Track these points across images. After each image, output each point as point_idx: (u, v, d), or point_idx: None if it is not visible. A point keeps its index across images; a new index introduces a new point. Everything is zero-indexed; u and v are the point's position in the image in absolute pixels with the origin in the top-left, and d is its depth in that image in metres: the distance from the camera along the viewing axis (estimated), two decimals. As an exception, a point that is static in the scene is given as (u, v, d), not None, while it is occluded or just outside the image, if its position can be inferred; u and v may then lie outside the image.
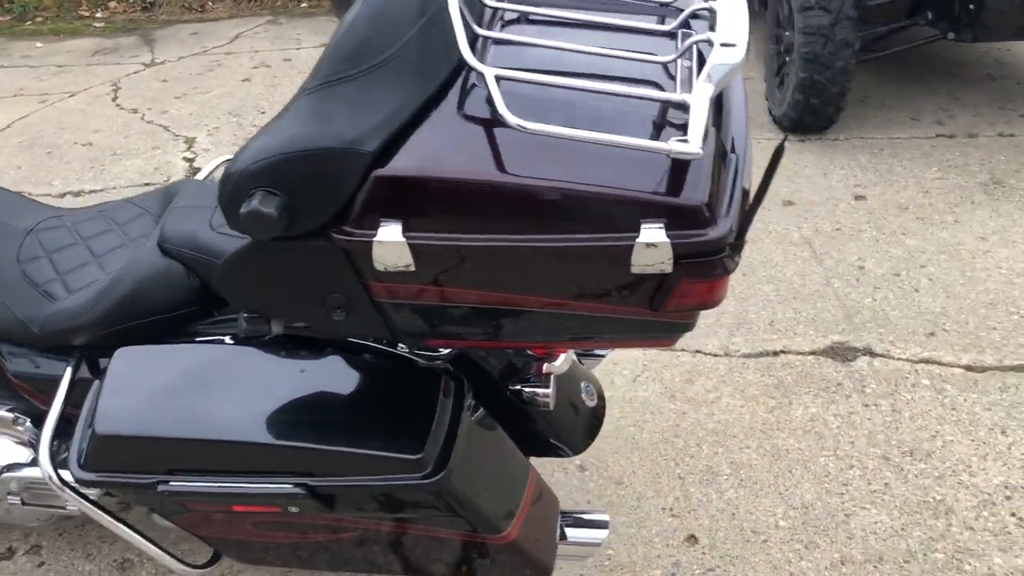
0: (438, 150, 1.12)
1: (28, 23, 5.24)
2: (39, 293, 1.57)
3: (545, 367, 1.57)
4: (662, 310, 1.19)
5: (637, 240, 1.08)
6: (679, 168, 1.10)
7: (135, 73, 4.41)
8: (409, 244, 1.12)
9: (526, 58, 1.24)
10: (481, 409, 1.47)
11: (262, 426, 1.33)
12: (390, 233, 1.11)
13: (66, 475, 1.41)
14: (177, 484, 1.34)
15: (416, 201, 1.12)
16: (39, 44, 4.91)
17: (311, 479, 1.32)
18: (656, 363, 2.41)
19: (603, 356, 1.97)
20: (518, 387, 1.55)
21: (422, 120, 1.15)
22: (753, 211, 1.11)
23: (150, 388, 1.38)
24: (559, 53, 1.24)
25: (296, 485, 1.32)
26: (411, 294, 1.21)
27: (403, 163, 1.11)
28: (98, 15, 5.33)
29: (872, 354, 2.43)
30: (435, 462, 1.32)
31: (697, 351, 2.46)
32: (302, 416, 1.34)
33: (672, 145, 1.04)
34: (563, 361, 1.59)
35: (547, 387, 1.53)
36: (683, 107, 1.11)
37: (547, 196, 1.10)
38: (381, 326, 1.28)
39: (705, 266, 1.12)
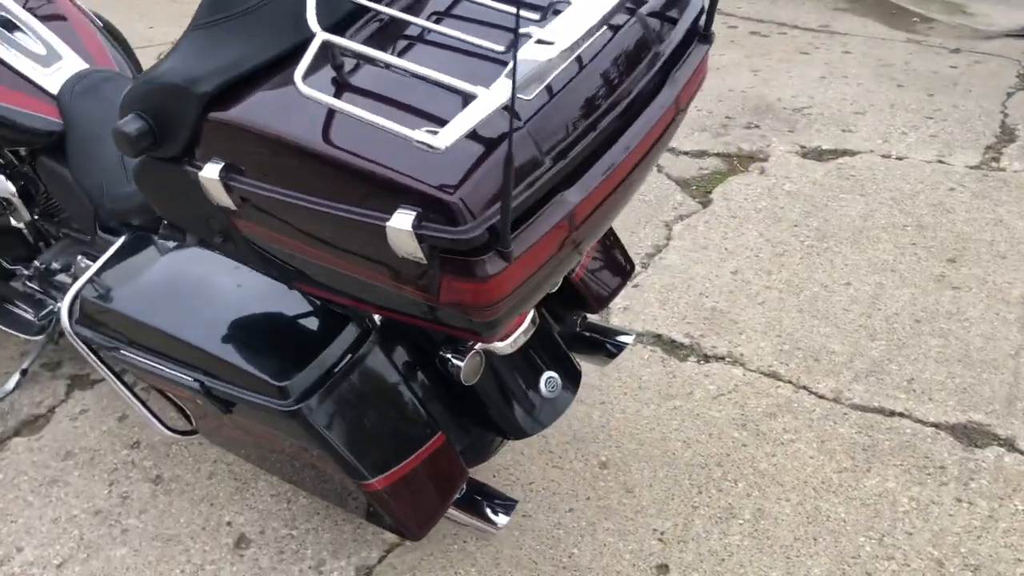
0: (261, 105, 1.21)
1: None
2: (126, 174, 1.90)
3: (479, 343, 1.58)
4: (438, 303, 1.18)
5: (387, 223, 1.10)
6: (447, 161, 1.09)
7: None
8: (223, 184, 1.23)
9: (384, 37, 1.26)
10: (384, 360, 1.53)
11: (188, 322, 1.54)
12: (210, 171, 1.24)
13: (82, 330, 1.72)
14: (125, 354, 1.60)
15: (233, 147, 1.22)
16: None
17: (207, 379, 1.51)
18: (748, 387, 2.24)
19: (623, 346, 1.91)
20: (441, 354, 1.58)
21: (266, 75, 1.24)
22: (505, 218, 1.06)
23: (132, 271, 1.65)
24: (410, 35, 1.25)
25: (195, 380, 1.51)
26: (260, 235, 1.32)
27: (229, 110, 1.22)
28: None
29: (1010, 447, 2.03)
30: (301, 394, 1.44)
31: (803, 386, 2.23)
32: (218, 323, 1.53)
33: (415, 134, 1.03)
34: (507, 342, 1.59)
35: (461, 359, 1.55)
36: (472, 97, 1.08)
37: (328, 163, 1.15)
38: (257, 260, 1.41)
39: (462, 265, 1.11)
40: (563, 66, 1.14)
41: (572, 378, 1.74)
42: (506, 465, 2.07)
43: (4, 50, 1.95)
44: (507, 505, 1.68)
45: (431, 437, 1.56)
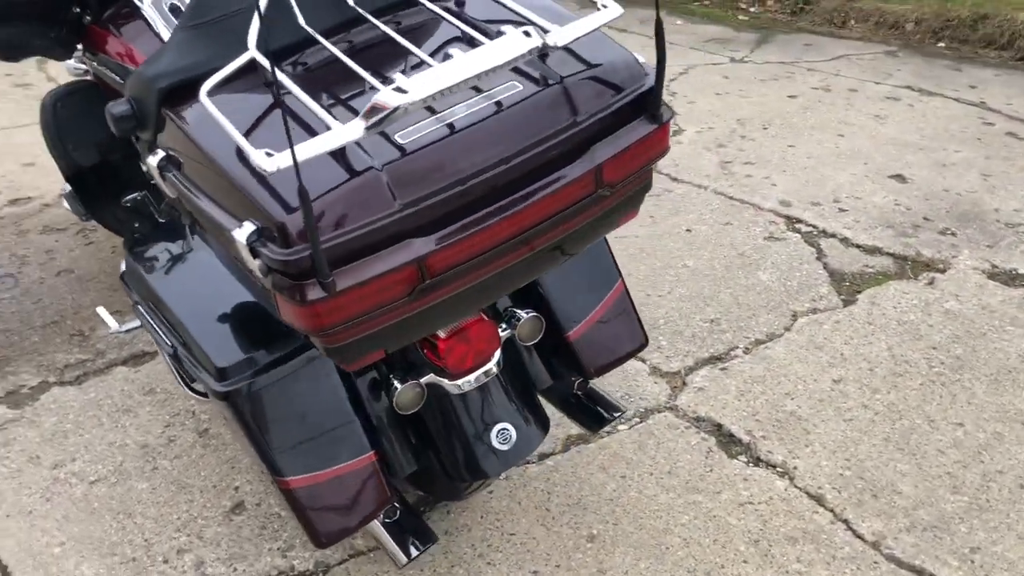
0: (191, 107, 1.32)
1: (696, 3, 5.85)
2: None
3: (429, 376, 1.60)
4: (280, 318, 1.23)
5: (232, 231, 1.17)
6: (290, 183, 1.14)
7: (711, 64, 4.71)
8: (159, 172, 1.36)
9: (309, 66, 1.33)
10: (331, 368, 1.59)
11: (179, 291, 1.69)
12: (152, 160, 1.37)
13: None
14: (140, 309, 1.80)
15: (171, 140, 1.35)
16: (679, 21, 5.49)
17: (180, 347, 1.66)
18: (782, 504, 2.05)
19: (610, 420, 1.85)
20: (389, 375, 1.61)
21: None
22: (314, 248, 1.09)
23: (165, 238, 1.84)
24: (324, 65, 1.31)
25: (171, 345, 1.67)
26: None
27: (173, 107, 1.34)
28: (752, 9, 5.68)
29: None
30: (237, 378, 1.54)
31: (844, 520, 2.01)
32: (200, 297, 1.67)
33: (255, 154, 1.10)
34: (457, 382, 1.60)
35: (399, 385, 1.57)
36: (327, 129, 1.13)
37: (213, 168, 1.24)
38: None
39: (289, 287, 1.15)
40: (406, 115, 1.14)
41: (531, 434, 1.70)
42: (498, 510, 2.05)
43: None
44: (425, 541, 1.68)
45: (360, 455, 1.60)
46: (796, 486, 2.10)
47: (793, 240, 3.09)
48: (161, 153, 1.37)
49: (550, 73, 1.32)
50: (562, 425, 2.25)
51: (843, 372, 2.46)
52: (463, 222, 1.22)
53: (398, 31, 1.36)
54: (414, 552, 1.66)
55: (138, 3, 1.79)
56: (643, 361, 2.51)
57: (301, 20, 1.34)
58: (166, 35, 1.66)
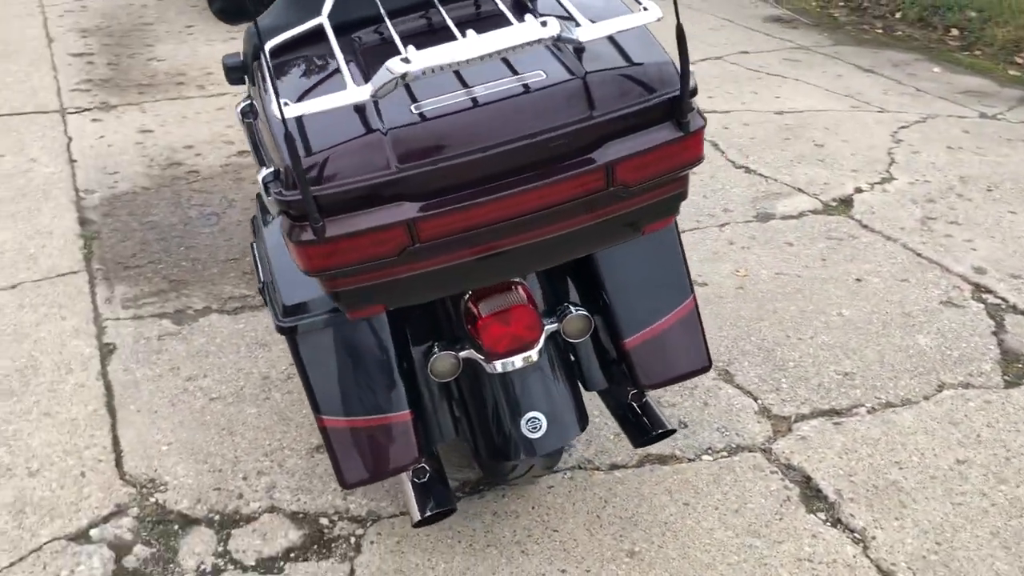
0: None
1: (966, 52, 5.43)
2: None
3: (468, 351, 1.66)
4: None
5: (260, 172, 1.31)
6: (317, 134, 1.25)
7: (955, 117, 4.36)
8: (241, 119, 1.53)
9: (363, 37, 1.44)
10: (386, 325, 1.68)
11: (273, 236, 1.85)
12: (239, 107, 1.54)
13: None
14: (252, 248, 1.99)
15: (249, 90, 1.51)
16: (936, 69, 5.12)
17: (267, 281, 1.81)
18: (845, 570, 1.91)
19: (657, 438, 1.82)
20: (434, 342, 1.69)
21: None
22: (304, 194, 1.19)
23: None
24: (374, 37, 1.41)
25: (261, 280, 1.84)
26: None
27: (256, 60, 1.50)
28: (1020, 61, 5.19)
29: None
30: (297, 317, 1.68)
31: (907, 604, 1.84)
32: None
33: (273, 104, 1.23)
34: (494, 363, 1.65)
35: (436, 353, 1.64)
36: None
37: (259, 110, 1.38)
38: None
39: (287, 226, 1.27)
40: (415, 82, 1.21)
41: (563, 430, 1.71)
42: (550, 505, 2.07)
43: None
44: (442, 505, 1.73)
45: (395, 411, 1.69)
46: (868, 556, 1.95)
47: (973, 310, 2.83)
48: (246, 102, 1.54)
49: (578, 66, 1.34)
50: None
51: (972, 454, 2.23)
52: (456, 195, 1.27)
53: (460, 14, 1.44)
54: (428, 513, 1.72)
55: None
56: (755, 399, 2.42)
57: None
58: None
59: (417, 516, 1.73)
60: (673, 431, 1.84)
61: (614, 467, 2.18)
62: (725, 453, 2.23)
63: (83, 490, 2.10)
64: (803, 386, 2.47)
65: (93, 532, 2.00)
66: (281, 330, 1.68)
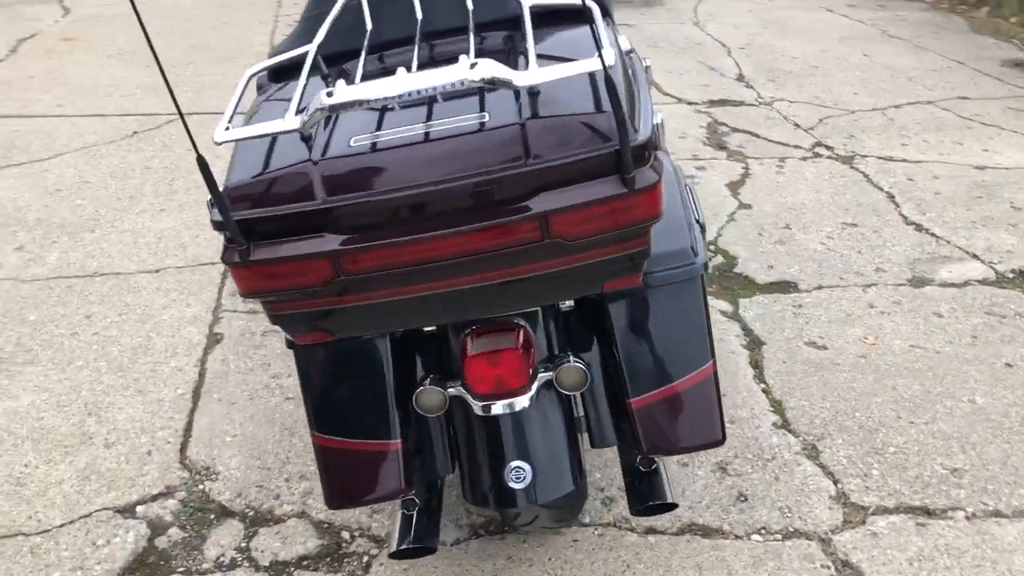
0: None
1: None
2: None
3: (456, 388, 1.62)
4: None
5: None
6: (253, 159, 1.29)
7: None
8: None
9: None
10: (381, 352, 1.67)
11: None
12: None
13: None
14: None
15: None
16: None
17: None
18: None
19: (657, 509, 1.69)
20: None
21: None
22: (224, 216, 1.22)
23: None
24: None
25: None
26: None
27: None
28: None
29: None
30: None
31: None
32: None
33: (217, 128, 1.27)
34: (478, 404, 1.60)
35: (422, 386, 1.61)
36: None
37: None
38: None
39: (224, 246, 1.30)
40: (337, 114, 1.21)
41: (550, 484, 1.63)
42: (569, 560, 1.97)
43: None
44: (420, 543, 1.69)
45: (385, 438, 1.68)
46: None
47: None
48: None
49: (527, 111, 1.27)
50: (694, 510, 2.08)
51: (1076, 589, 1.89)
52: (380, 232, 1.24)
53: (452, 49, 1.41)
54: (404, 546, 1.69)
55: None
56: (835, 481, 2.18)
57: (368, 25, 1.45)
58: None
59: (393, 547, 1.70)
60: (674, 506, 1.69)
61: (651, 531, 2.05)
62: (779, 536, 2.03)
63: (144, 468, 2.25)
64: (897, 476, 2.20)
65: (139, 508, 2.13)
66: (289, 344, 1.71)
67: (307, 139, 1.28)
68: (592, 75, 1.33)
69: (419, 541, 1.70)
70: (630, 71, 1.53)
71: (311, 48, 1.42)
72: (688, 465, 2.24)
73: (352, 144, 1.26)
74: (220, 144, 1.24)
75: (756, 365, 2.62)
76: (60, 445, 2.32)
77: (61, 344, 2.71)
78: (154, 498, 2.16)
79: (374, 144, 1.26)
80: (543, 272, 1.32)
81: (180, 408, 2.45)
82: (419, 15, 1.50)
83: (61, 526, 2.08)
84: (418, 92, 1.18)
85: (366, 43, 1.46)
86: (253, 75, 1.44)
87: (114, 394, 2.51)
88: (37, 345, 2.71)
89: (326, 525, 2.09)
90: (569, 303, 1.71)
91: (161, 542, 2.05)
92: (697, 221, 1.80)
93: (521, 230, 1.24)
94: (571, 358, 1.61)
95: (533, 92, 1.27)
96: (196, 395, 2.50)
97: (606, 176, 1.24)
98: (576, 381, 1.61)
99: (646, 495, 1.69)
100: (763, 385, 2.53)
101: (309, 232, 1.26)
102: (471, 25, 1.33)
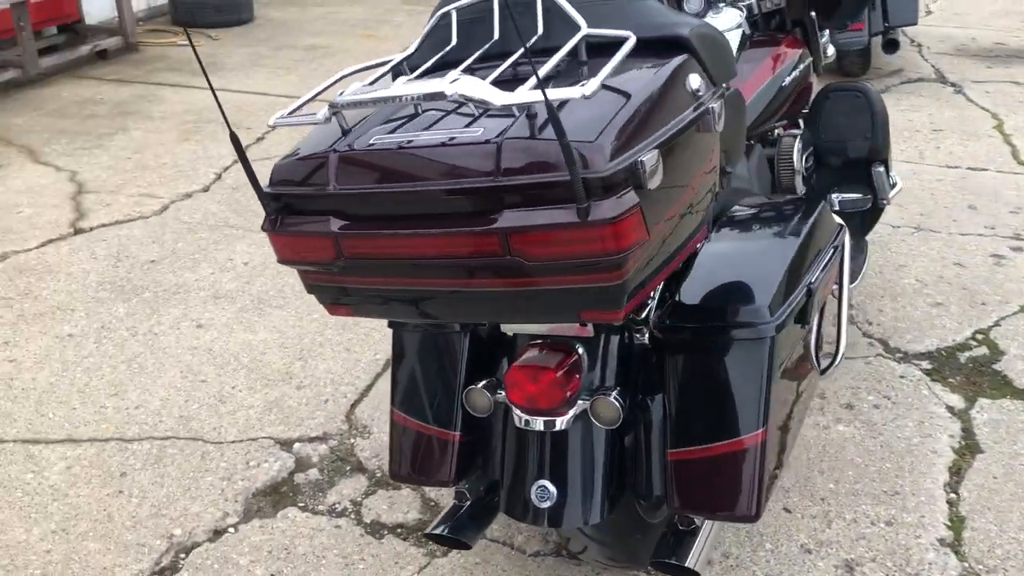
0: None
1: None
2: None
3: (503, 393, 1.66)
4: None
5: None
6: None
7: None
8: None
9: None
10: (459, 347, 1.76)
11: None
12: None
13: None
14: None
15: None
16: None
17: None
18: None
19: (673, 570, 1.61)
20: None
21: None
22: (254, 186, 1.41)
23: None
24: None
25: None
26: None
27: None
28: None
29: None
30: None
31: None
32: None
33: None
34: (519, 415, 1.63)
35: (474, 385, 1.67)
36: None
37: None
38: None
39: (265, 216, 1.49)
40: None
41: (573, 510, 1.61)
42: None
43: None
44: (453, 538, 1.73)
45: (444, 427, 1.76)
46: None
47: None
48: None
49: (508, 129, 1.29)
50: (741, 569, 1.91)
51: None
52: (372, 223, 1.34)
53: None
54: (437, 531, 1.74)
55: None
56: (976, 621, 1.86)
57: (454, 40, 1.55)
58: None
59: (429, 528, 1.78)
60: (692, 572, 1.57)
61: (728, 604, 1.91)
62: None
63: (315, 412, 2.54)
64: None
65: (296, 445, 2.42)
66: (389, 324, 1.86)
67: (346, 132, 1.41)
68: (606, 101, 1.32)
69: (455, 532, 1.75)
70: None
71: (399, 56, 1.56)
72: (811, 552, 2.03)
73: (371, 142, 1.37)
74: (272, 127, 1.42)
75: (956, 472, 2.28)
76: (265, 378, 2.69)
77: (309, 296, 3.11)
78: (311, 440, 2.44)
79: (384, 144, 1.36)
80: (511, 289, 1.34)
81: (370, 371, 2.72)
82: (496, 34, 1.56)
83: (232, 442, 2.43)
84: (400, 99, 1.28)
85: (435, 57, 1.57)
86: (345, 75, 1.60)
87: (327, 347, 2.84)
88: (292, 293, 3.15)
89: (432, 504, 2.21)
90: (643, 339, 1.67)
91: (299, 478, 2.31)
92: (808, 285, 1.66)
93: (485, 243, 1.27)
94: (612, 393, 1.58)
95: (531, 114, 1.29)
96: (389, 363, 2.75)
97: (566, 204, 1.23)
98: (609, 416, 1.57)
99: (668, 551, 1.60)
100: (951, 495, 2.21)
101: (320, 214, 1.40)
102: (527, 47, 1.37)
